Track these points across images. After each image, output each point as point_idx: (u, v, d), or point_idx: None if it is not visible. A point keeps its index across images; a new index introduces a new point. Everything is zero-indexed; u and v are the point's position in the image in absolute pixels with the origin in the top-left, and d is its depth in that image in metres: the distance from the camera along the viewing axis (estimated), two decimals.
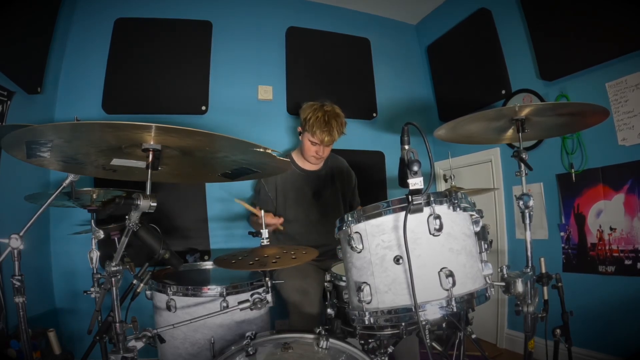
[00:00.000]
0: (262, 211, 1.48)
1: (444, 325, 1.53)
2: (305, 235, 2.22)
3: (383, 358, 1.36)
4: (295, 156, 2.36)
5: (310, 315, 1.79)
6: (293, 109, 2.84)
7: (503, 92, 2.64)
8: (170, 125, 0.91)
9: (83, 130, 0.95)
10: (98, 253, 1.72)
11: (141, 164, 1.10)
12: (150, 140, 0.99)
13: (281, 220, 2.03)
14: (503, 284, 1.24)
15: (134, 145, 1.02)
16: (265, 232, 1.40)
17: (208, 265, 1.98)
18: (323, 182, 2.34)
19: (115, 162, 1.11)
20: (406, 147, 1.06)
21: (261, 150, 1.03)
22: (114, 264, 1.00)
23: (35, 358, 1.72)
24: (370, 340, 1.42)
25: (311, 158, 2.24)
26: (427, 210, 1.01)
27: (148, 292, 1.59)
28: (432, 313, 0.98)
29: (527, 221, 1.38)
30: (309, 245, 2.14)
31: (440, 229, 1.00)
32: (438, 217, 1.00)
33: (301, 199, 2.28)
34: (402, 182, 1.01)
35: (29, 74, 2.11)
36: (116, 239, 1.80)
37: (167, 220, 2.50)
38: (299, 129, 2.28)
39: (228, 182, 1.40)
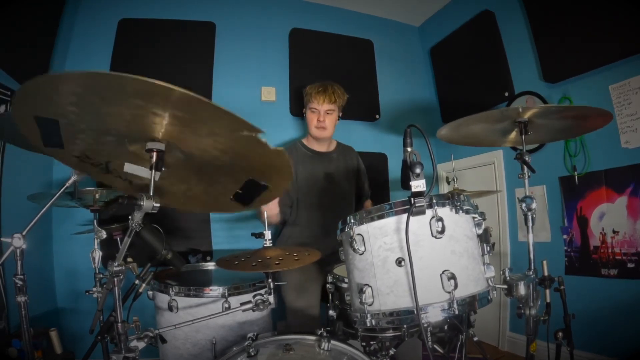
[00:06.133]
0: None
1: (445, 327, 1.53)
2: (314, 220, 2.16)
3: None
4: (305, 141, 2.32)
5: (310, 316, 1.79)
6: (296, 111, 2.84)
7: (506, 94, 2.64)
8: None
9: (95, 84, 0.85)
10: (100, 253, 1.72)
11: (147, 172, 1.06)
12: (161, 128, 0.95)
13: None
14: (505, 286, 1.23)
15: (139, 140, 1.00)
16: (267, 234, 1.39)
17: (210, 266, 1.98)
18: (335, 164, 2.29)
19: (127, 167, 1.07)
20: (409, 149, 1.06)
21: (253, 134, 0.93)
22: (116, 264, 1.00)
23: (36, 357, 1.72)
24: (372, 342, 1.42)
25: (314, 130, 2.19)
26: (429, 212, 1.01)
27: (150, 293, 1.59)
28: (434, 315, 0.98)
29: (530, 224, 1.37)
30: (318, 228, 2.13)
31: (442, 232, 0.99)
32: (440, 219, 1.00)
33: (312, 179, 2.20)
34: (405, 184, 1.01)
35: (32, 74, 2.11)
36: (118, 239, 1.81)
37: (170, 220, 2.50)
38: (304, 110, 2.30)
39: (242, 211, 1.27)
